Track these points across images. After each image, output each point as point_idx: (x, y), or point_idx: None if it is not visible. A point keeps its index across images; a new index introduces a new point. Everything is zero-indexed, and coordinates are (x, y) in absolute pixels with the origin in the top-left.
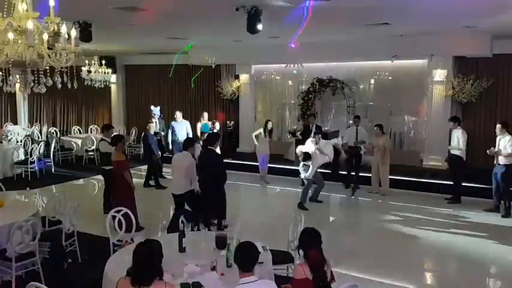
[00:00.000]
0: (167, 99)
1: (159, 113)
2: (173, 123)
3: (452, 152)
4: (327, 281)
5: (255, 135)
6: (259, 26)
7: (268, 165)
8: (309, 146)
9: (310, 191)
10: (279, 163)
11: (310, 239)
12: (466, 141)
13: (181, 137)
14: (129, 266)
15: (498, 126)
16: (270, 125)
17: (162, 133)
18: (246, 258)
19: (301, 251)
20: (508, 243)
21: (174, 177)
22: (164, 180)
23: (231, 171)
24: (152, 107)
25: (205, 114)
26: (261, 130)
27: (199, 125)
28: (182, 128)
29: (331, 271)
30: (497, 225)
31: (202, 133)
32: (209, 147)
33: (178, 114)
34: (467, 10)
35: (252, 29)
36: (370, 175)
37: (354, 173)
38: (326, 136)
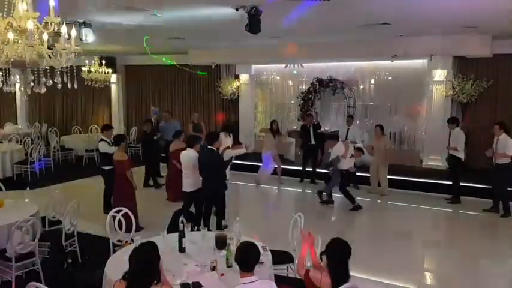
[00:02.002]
0: (167, 99)
1: (158, 113)
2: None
3: (451, 152)
4: None
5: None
6: (259, 26)
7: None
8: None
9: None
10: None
11: (337, 252)
12: (465, 142)
13: None
14: (127, 268)
15: (496, 127)
16: (275, 126)
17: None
18: (246, 258)
19: (325, 259)
20: (508, 243)
21: (183, 175)
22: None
23: (231, 171)
24: (152, 107)
25: (166, 114)
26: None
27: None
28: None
29: None
30: (497, 225)
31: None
32: (209, 146)
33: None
34: (467, 11)
35: (252, 29)
36: (368, 175)
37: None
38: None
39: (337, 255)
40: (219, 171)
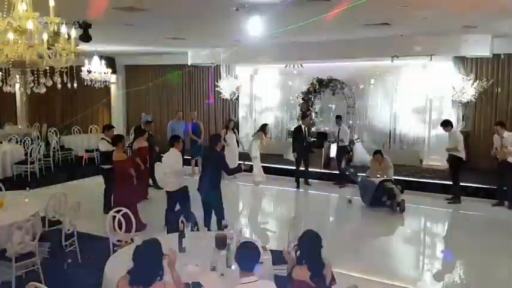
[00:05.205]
0: (167, 99)
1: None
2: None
3: (451, 152)
4: (326, 284)
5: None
6: (259, 26)
7: (269, 165)
8: None
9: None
10: (278, 163)
11: (310, 243)
12: (465, 142)
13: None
14: (129, 266)
15: (497, 127)
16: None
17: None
18: (246, 258)
19: (299, 253)
20: (509, 243)
21: (165, 176)
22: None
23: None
24: (143, 114)
25: (179, 114)
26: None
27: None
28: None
29: (332, 272)
30: (499, 226)
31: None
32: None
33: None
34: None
35: (252, 29)
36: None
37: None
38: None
39: (309, 246)
40: (216, 172)
